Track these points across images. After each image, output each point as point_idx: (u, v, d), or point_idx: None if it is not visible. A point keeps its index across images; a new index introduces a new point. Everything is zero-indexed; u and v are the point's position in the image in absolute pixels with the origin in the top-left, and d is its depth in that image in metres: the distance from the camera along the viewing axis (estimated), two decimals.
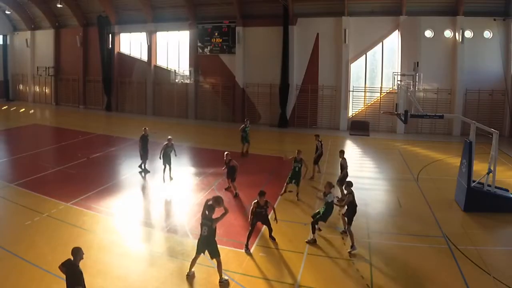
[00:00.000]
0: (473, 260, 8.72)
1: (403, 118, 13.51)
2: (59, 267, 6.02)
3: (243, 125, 18.36)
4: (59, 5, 29.69)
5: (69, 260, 5.99)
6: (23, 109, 33.60)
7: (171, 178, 14.57)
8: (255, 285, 7.85)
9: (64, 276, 5.93)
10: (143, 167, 15.41)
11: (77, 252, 6.05)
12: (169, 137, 14.79)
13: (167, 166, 14.46)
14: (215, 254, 7.82)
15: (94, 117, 30.67)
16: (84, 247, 6.35)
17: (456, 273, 8.28)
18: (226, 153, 13.41)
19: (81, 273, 5.96)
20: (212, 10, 28.34)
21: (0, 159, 17.41)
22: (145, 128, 15.51)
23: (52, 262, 8.09)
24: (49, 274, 7.76)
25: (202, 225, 7.86)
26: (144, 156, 15.33)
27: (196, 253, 7.98)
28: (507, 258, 9.10)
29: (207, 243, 7.81)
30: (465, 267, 8.48)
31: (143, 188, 13.96)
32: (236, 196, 12.96)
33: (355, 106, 26.08)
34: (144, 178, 14.98)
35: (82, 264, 6.12)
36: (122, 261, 8.69)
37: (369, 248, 9.36)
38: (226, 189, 13.52)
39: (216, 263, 7.88)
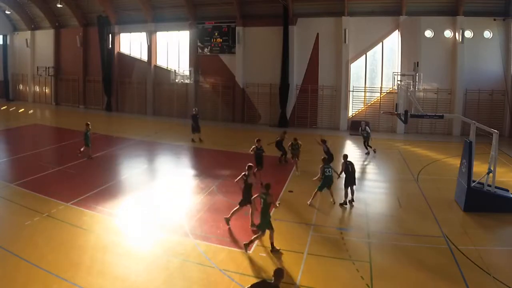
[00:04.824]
0: (473, 260, 8.71)
1: (403, 118, 13.52)
2: None
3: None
4: (59, 5, 29.76)
5: None
6: (23, 109, 33.57)
7: None
8: None
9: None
10: None
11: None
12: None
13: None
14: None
15: (94, 117, 30.49)
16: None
17: (456, 273, 8.27)
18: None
19: None
20: (212, 10, 28.37)
21: (0, 159, 17.41)
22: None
23: (52, 262, 8.10)
24: (50, 274, 7.75)
25: None
26: None
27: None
28: (507, 258, 9.09)
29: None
30: (465, 267, 8.47)
31: (143, 188, 13.94)
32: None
33: (355, 106, 26.10)
34: None
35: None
36: (122, 261, 8.67)
37: (369, 248, 9.36)
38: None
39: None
